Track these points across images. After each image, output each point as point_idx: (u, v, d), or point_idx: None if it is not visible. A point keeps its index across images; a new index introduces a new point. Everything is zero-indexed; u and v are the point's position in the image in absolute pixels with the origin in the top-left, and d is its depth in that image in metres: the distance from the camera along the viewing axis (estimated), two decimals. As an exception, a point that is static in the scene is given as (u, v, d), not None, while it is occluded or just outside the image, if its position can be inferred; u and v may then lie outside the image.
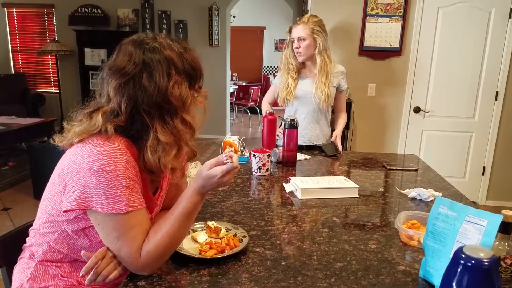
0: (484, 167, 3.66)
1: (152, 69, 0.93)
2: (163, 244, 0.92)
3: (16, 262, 1.10)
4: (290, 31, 2.23)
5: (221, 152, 1.09)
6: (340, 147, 2.17)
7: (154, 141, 0.94)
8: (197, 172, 0.98)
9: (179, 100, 0.95)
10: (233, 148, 1.11)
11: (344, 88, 2.31)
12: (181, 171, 1.02)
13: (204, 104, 1.01)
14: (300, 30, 2.15)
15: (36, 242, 1.05)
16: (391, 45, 3.47)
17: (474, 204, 1.36)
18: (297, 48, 2.17)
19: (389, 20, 3.43)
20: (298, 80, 2.24)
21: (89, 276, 0.93)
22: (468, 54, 3.42)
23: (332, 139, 2.23)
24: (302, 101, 2.25)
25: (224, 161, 0.93)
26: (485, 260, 0.73)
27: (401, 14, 3.40)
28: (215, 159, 0.95)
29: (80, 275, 0.94)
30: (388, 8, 3.41)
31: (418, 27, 3.42)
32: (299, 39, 2.15)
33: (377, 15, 3.42)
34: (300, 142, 2.09)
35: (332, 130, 2.36)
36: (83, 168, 0.89)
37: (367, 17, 3.44)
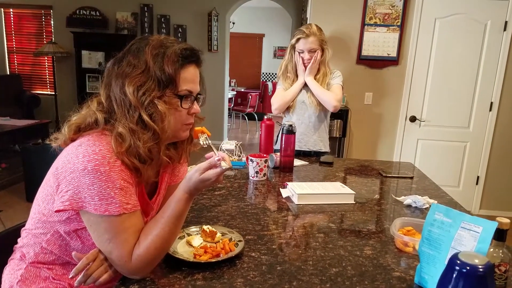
0: (478, 177, 3.69)
1: (123, 58, 0.97)
2: (153, 247, 0.91)
3: (5, 264, 1.08)
4: (296, 42, 2.18)
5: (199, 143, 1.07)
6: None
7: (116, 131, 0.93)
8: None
9: (133, 97, 0.92)
10: (205, 135, 1.09)
11: (333, 83, 2.22)
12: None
13: (163, 111, 0.93)
14: (312, 42, 2.14)
15: (28, 243, 1.03)
16: (388, 54, 3.50)
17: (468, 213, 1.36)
18: (308, 60, 2.16)
19: (387, 30, 3.46)
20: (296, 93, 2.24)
21: (79, 278, 0.91)
22: (464, 65, 3.46)
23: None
24: (299, 108, 2.25)
25: (217, 164, 0.93)
26: (480, 267, 0.73)
27: (398, 24, 3.44)
28: (207, 163, 0.94)
29: (70, 276, 0.93)
30: (386, 18, 3.44)
31: (415, 37, 3.46)
32: (311, 50, 2.16)
33: (375, 24, 3.46)
34: (297, 148, 2.10)
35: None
36: (77, 168, 0.88)
37: (365, 26, 3.47)
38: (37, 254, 1.01)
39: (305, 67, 2.19)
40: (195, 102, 1.03)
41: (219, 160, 0.93)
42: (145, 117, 0.92)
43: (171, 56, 0.95)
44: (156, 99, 0.93)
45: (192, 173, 0.94)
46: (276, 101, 2.26)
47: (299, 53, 2.19)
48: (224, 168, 0.92)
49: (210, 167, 0.93)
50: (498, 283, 0.88)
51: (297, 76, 2.25)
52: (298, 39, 2.17)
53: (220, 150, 2.07)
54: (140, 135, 0.92)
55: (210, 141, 1.03)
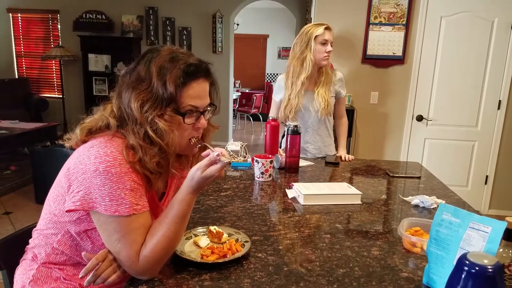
0: (486, 176, 3.65)
1: (134, 69, 0.98)
2: (159, 248, 0.92)
3: (17, 265, 1.10)
4: (322, 32, 2.10)
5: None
6: (348, 158, 2.20)
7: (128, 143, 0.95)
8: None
9: (138, 113, 0.93)
10: (195, 138, 1.08)
11: (343, 94, 2.30)
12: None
13: (163, 129, 0.93)
14: (331, 35, 2.13)
15: (40, 244, 1.05)
16: (394, 53, 3.49)
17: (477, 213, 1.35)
18: (330, 51, 2.13)
19: (392, 29, 3.44)
20: (303, 97, 2.18)
21: (88, 278, 0.92)
22: (471, 63, 3.43)
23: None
24: (302, 114, 2.23)
25: (217, 160, 0.93)
26: (489, 267, 0.72)
27: (404, 22, 3.42)
28: (207, 160, 0.93)
29: (80, 276, 0.94)
30: (391, 16, 3.42)
31: (421, 36, 3.44)
32: (332, 43, 2.14)
33: (380, 23, 3.44)
34: (301, 154, 2.07)
35: (335, 137, 2.36)
36: (89, 169, 0.89)
37: (370, 26, 3.45)
38: (49, 254, 1.03)
39: (323, 59, 2.13)
40: (202, 116, 1.02)
41: (218, 155, 0.93)
42: (151, 133, 0.93)
43: (174, 72, 0.94)
44: (157, 118, 0.93)
45: (193, 172, 0.94)
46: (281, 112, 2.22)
47: (322, 44, 2.11)
48: (224, 162, 0.92)
49: (211, 163, 0.93)
50: (508, 284, 0.87)
51: (309, 69, 2.14)
52: (325, 29, 2.11)
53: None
54: (147, 150, 0.94)
55: (225, 153, 0.98)
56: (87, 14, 5.86)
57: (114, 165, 0.89)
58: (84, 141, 0.98)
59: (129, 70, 0.99)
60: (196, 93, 0.99)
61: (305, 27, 2.18)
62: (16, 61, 6.41)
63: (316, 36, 2.10)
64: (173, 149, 0.97)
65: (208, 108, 1.05)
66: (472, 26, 3.36)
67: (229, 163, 0.95)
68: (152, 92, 0.94)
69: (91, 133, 0.98)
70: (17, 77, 6.40)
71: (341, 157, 2.21)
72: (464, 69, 3.45)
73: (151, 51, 1.00)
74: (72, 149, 1.00)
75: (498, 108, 3.49)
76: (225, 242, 1.10)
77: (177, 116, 0.97)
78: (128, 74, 0.98)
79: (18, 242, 1.14)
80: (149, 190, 1.00)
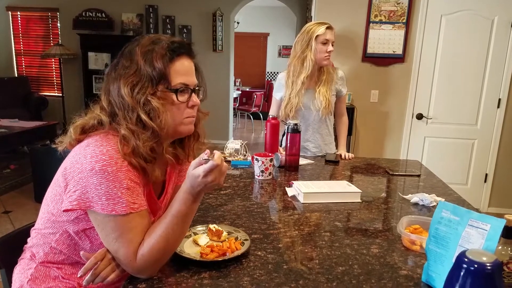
0: (486, 174, 3.65)
1: (118, 63, 0.98)
2: (157, 248, 0.91)
3: (15, 264, 1.10)
4: (323, 31, 2.09)
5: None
6: (349, 156, 2.20)
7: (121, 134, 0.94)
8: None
9: (129, 97, 0.93)
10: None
11: (344, 93, 2.30)
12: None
13: (157, 107, 0.93)
14: (332, 34, 2.12)
15: (38, 243, 1.04)
16: (394, 51, 3.48)
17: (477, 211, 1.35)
18: (331, 51, 2.12)
19: (393, 27, 3.44)
20: (303, 96, 2.17)
21: (87, 277, 0.92)
22: (471, 62, 3.43)
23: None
24: (303, 113, 2.22)
25: (202, 162, 0.90)
26: (488, 264, 0.72)
27: (404, 21, 3.42)
28: (198, 158, 0.93)
29: (79, 275, 0.94)
30: (391, 15, 3.42)
31: (421, 34, 3.43)
32: (333, 43, 2.13)
33: (381, 22, 3.44)
34: (302, 153, 2.07)
35: (335, 136, 2.36)
36: (85, 168, 0.89)
37: (371, 24, 3.45)
38: (47, 254, 1.03)
39: (324, 58, 2.12)
40: (194, 94, 1.02)
41: (207, 155, 0.91)
42: (143, 116, 0.93)
43: (159, 51, 0.96)
44: (149, 96, 0.94)
45: (188, 170, 0.93)
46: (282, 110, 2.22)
47: (323, 43, 2.10)
48: (210, 163, 0.89)
49: (200, 163, 0.91)
50: (507, 281, 0.88)
51: (308, 75, 2.15)
52: (326, 28, 2.10)
53: (226, 149, 2.08)
54: (140, 135, 0.93)
55: (217, 155, 0.93)
56: (87, 12, 5.85)
57: (110, 164, 0.89)
58: (79, 140, 0.98)
59: (113, 65, 1.00)
60: (184, 69, 0.99)
61: (307, 25, 2.17)
62: (16, 60, 6.40)
63: (317, 36, 2.09)
64: (165, 131, 0.96)
65: (198, 88, 1.05)
66: (473, 24, 3.36)
67: (218, 166, 0.91)
68: (140, 74, 0.95)
69: (84, 132, 0.98)
70: (16, 75, 6.39)
71: (341, 155, 2.21)
72: (464, 68, 3.44)
73: (131, 42, 1.00)
74: (67, 150, 0.99)
75: (498, 107, 3.49)
76: (225, 240, 1.10)
77: (170, 93, 0.97)
78: (112, 69, 0.99)
79: (17, 241, 1.14)
80: (147, 185, 1.00)
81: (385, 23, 3.44)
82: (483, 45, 3.39)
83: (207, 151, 0.93)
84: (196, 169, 0.91)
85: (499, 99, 3.47)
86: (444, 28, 3.40)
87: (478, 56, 3.41)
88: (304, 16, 6.13)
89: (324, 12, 3.48)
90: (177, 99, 0.98)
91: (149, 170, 0.95)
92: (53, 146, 1.02)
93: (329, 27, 2.12)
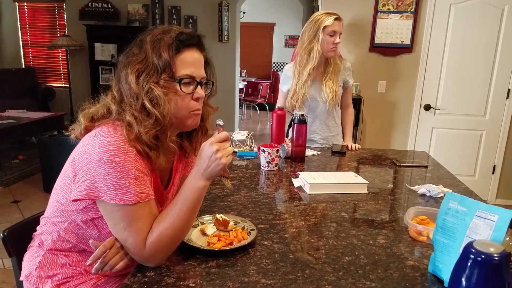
0: (494, 166, 3.62)
1: (130, 50, 0.99)
2: (166, 235, 0.92)
3: (25, 251, 1.12)
4: (331, 23, 2.06)
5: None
6: (355, 147, 2.20)
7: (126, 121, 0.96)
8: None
9: (135, 84, 0.94)
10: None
11: (351, 84, 2.29)
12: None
13: (159, 95, 0.94)
14: (340, 26, 2.10)
15: (46, 231, 1.06)
16: (402, 41, 3.44)
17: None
18: (338, 43, 2.10)
19: (401, 17, 3.39)
20: (309, 87, 2.17)
21: (96, 265, 0.94)
22: (480, 52, 3.38)
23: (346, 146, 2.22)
24: (309, 104, 2.22)
25: (218, 125, 0.96)
26: (496, 255, 0.72)
27: (412, 10, 3.37)
28: (210, 138, 0.97)
29: (88, 263, 0.96)
30: (399, 4, 3.37)
31: (430, 24, 3.38)
32: (341, 34, 2.11)
33: (389, 11, 3.39)
34: (308, 144, 2.07)
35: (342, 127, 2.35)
36: (93, 158, 0.90)
37: (378, 13, 3.41)
38: (55, 241, 1.04)
39: (330, 50, 2.11)
40: (199, 87, 1.02)
41: (221, 121, 0.98)
42: (147, 103, 0.94)
43: (167, 41, 0.96)
44: (153, 84, 0.94)
45: (199, 152, 0.97)
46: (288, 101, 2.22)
47: (330, 35, 2.08)
48: (225, 135, 0.96)
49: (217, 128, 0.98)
50: (514, 272, 0.87)
51: (314, 67, 2.13)
52: (335, 19, 2.07)
53: (231, 141, 2.09)
54: (142, 122, 0.94)
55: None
56: (93, 3, 5.84)
57: (118, 154, 0.89)
58: (88, 129, 0.99)
59: (124, 54, 1.01)
60: (190, 61, 0.99)
61: (315, 14, 2.15)
62: (23, 51, 6.43)
63: (325, 27, 2.07)
64: (168, 120, 0.96)
65: (205, 81, 1.05)
66: (482, 13, 3.30)
67: (235, 153, 0.97)
68: (147, 62, 0.96)
69: (93, 120, 0.99)
70: (24, 66, 6.43)
71: (347, 146, 2.21)
72: (473, 58, 3.40)
73: (144, 32, 1.01)
74: (78, 139, 1.00)
75: (507, 97, 3.44)
76: (232, 230, 1.11)
77: (173, 83, 0.97)
78: (124, 56, 1.00)
79: (27, 230, 1.16)
80: (153, 173, 1.00)
81: (393, 12, 3.39)
82: (492, 35, 3.33)
83: (220, 120, 0.97)
84: (207, 140, 0.95)
85: (509, 90, 3.42)
86: (453, 17, 3.35)
87: (487, 46, 3.36)
88: (311, 6, 6.07)
89: (331, 1, 3.44)
90: (181, 89, 0.98)
91: (153, 156, 0.96)
92: (66, 133, 1.04)
93: (337, 18, 2.09)
